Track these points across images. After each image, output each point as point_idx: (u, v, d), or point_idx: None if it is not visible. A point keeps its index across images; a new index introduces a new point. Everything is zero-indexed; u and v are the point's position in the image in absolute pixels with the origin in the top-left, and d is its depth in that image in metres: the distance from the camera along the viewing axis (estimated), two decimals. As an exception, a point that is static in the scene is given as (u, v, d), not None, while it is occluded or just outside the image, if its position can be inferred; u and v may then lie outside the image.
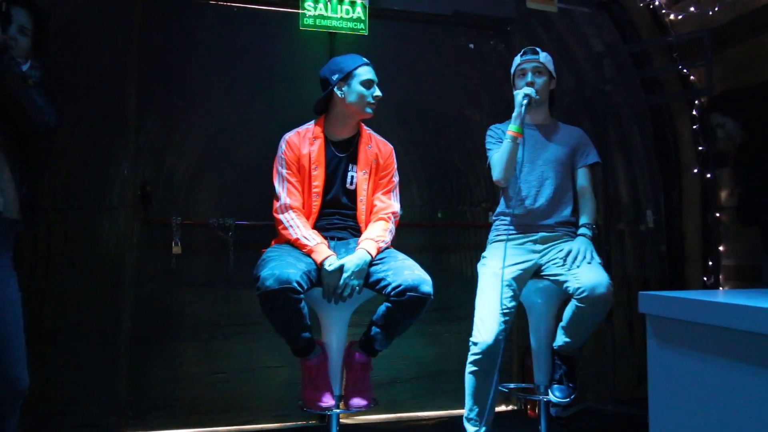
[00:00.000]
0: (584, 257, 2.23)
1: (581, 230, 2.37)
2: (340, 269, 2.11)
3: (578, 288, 2.14)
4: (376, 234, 2.24)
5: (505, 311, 2.21)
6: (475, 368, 2.22)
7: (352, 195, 2.34)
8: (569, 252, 2.26)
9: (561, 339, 2.30)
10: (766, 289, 1.34)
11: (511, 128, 2.33)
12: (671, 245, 3.43)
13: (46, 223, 2.67)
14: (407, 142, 3.19)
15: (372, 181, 2.36)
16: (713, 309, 1.05)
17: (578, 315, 2.18)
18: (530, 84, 2.40)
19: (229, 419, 2.92)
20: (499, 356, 2.17)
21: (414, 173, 3.25)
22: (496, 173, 2.40)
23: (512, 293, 2.26)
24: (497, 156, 2.40)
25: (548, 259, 2.34)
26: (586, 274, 2.15)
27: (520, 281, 2.31)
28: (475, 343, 2.21)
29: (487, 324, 2.19)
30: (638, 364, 3.32)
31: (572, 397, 2.30)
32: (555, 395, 2.30)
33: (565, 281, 2.22)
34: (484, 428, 2.25)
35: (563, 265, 2.26)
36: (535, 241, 2.39)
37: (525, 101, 2.31)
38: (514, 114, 2.34)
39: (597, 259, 2.28)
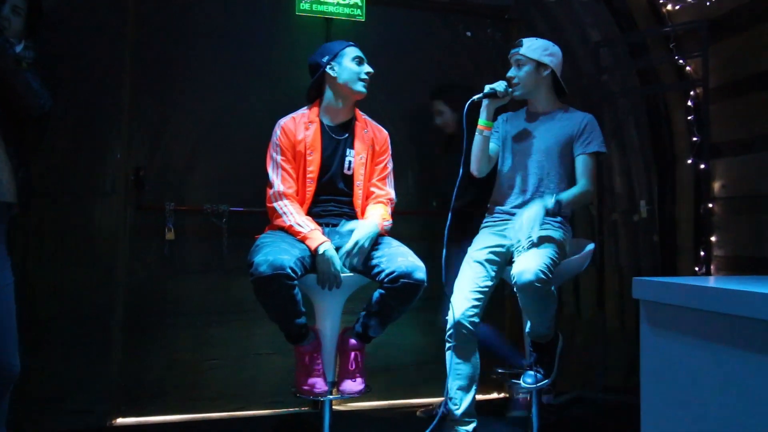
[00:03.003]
0: (529, 227, 2.17)
1: (545, 198, 2.29)
2: (332, 258, 2.11)
3: (512, 275, 2.17)
4: (380, 214, 2.27)
5: (476, 289, 2.30)
6: (449, 343, 2.32)
7: (349, 180, 2.33)
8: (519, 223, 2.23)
9: (527, 325, 2.35)
10: (759, 276, 1.34)
11: (479, 122, 2.40)
12: (664, 235, 3.44)
13: (38, 208, 2.63)
14: (403, 129, 3.18)
15: (368, 166, 2.36)
16: (706, 294, 1.06)
17: (520, 301, 2.22)
18: (510, 78, 2.42)
19: (223, 406, 2.93)
20: (472, 334, 2.27)
21: (409, 161, 3.24)
22: (471, 166, 2.47)
23: (485, 273, 2.33)
24: (473, 149, 2.45)
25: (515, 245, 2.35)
26: (521, 261, 2.17)
27: (493, 263, 2.36)
28: (446, 320, 2.32)
29: (457, 302, 2.29)
30: (629, 353, 3.33)
31: (541, 384, 2.31)
32: (524, 381, 2.33)
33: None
34: (466, 405, 2.29)
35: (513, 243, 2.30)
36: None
37: (482, 94, 2.36)
38: (482, 108, 2.39)
39: (551, 244, 2.21)
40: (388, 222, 2.29)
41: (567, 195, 2.33)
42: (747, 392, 0.98)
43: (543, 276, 2.10)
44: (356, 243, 2.12)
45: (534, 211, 2.23)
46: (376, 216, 2.25)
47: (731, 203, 3.06)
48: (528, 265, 2.12)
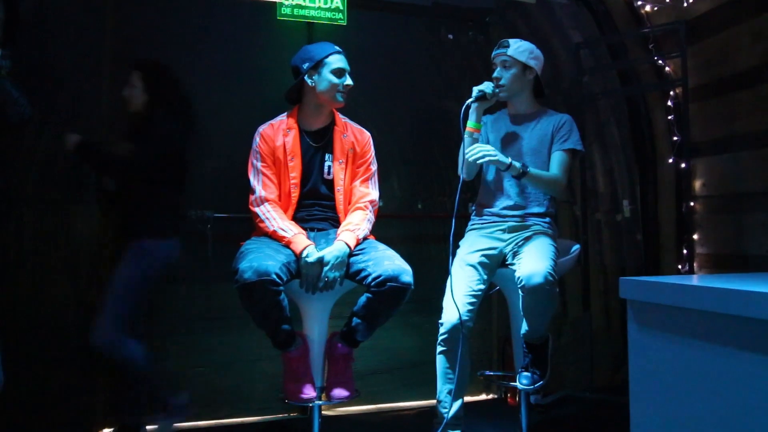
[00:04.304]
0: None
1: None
2: (320, 261, 2.10)
3: (518, 277, 2.16)
4: (354, 224, 2.24)
5: (470, 293, 2.28)
6: (442, 348, 2.27)
7: (331, 185, 2.33)
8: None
9: (523, 327, 2.33)
10: (742, 273, 1.36)
11: (468, 124, 2.39)
12: (647, 234, 3.47)
13: (16, 217, 2.60)
14: (387, 133, 3.18)
15: (349, 170, 2.35)
16: (693, 293, 1.07)
17: (524, 303, 2.21)
18: (496, 79, 2.43)
19: (210, 414, 2.90)
20: (464, 337, 2.23)
21: (393, 164, 3.25)
22: (459, 169, 2.46)
23: (478, 277, 2.32)
24: (461, 152, 2.44)
25: (511, 248, 2.37)
26: (527, 264, 2.17)
27: (486, 267, 2.36)
28: (441, 323, 2.27)
29: (452, 306, 2.24)
30: (615, 352, 3.37)
31: (538, 384, 2.31)
32: (521, 383, 2.33)
33: (515, 270, 2.25)
34: (455, 409, 2.26)
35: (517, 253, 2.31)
36: (503, 230, 2.43)
37: (473, 97, 2.36)
38: (470, 111, 2.39)
39: (551, 246, 2.27)
40: (365, 228, 2.27)
41: (536, 170, 2.33)
42: (735, 390, 1.00)
43: (551, 278, 2.11)
44: (326, 276, 2.10)
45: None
46: (349, 230, 2.21)
47: (712, 201, 3.11)
48: (537, 267, 2.12)
